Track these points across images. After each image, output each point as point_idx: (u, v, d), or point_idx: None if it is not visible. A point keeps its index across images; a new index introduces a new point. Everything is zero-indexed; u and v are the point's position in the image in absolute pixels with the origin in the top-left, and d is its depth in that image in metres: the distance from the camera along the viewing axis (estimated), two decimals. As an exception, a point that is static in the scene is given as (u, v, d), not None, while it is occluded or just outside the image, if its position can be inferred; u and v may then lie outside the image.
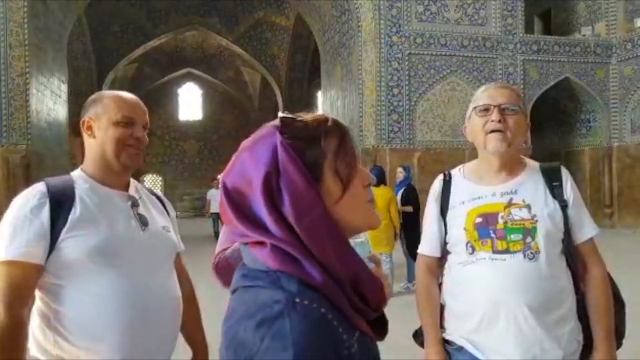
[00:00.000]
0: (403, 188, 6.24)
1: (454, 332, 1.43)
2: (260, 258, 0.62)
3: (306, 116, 0.66)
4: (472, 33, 11.85)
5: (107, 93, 1.33)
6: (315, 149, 0.63)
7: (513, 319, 1.31)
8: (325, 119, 0.66)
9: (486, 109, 1.38)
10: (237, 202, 0.63)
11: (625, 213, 12.55)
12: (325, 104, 14.39)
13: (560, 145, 13.98)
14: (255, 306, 0.58)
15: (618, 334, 1.44)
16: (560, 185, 1.41)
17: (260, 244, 0.62)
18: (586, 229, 1.42)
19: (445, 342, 1.46)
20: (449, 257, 1.48)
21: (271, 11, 18.11)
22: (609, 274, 1.47)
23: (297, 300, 0.57)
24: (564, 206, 1.39)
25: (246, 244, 0.64)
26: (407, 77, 11.50)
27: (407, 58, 11.51)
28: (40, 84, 10.41)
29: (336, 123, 0.67)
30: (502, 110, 1.36)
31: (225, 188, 0.64)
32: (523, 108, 1.41)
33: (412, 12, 11.58)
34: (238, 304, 0.61)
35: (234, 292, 0.64)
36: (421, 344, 1.52)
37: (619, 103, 12.68)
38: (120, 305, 1.19)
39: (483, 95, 1.41)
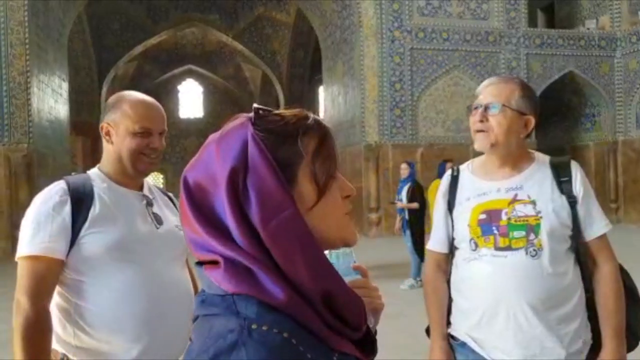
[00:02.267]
0: (407, 184, 6.19)
1: (458, 328, 1.45)
2: (215, 281, 0.54)
3: (284, 111, 0.59)
4: (474, 27, 11.76)
5: (127, 98, 1.33)
6: (291, 146, 0.56)
7: (513, 317, 1.31)
8: (305, 116, 0.59)
9: (475, 108, 1.39)
10: (198, 200, 0.55)
11: (631, 208, 12.48)
12: (326, 100, 14.32)
13: (564, 140, 13.90)
14: (209, 338, 0.52)
15: (633, 332, 1.41)
16: (570, 181, 1.38)
17: (215, 263, 0.55)
18: (596, 226, 1.40)
19: (451, 337, 1.48)
20: (456, 253, 1.48)
21: (271, 7, 18.01)
22: (626, 271, 1.45)
23: (254, 326, 0.51)
24: (572, 202, 1.36)
25: (200, 264, 0.57)
26: (409, 72, 11.42)
27: (409, 53, 11.43)
28: (41, 82, 10.36)
29: (317, 122, 0.59)
30: (486, 110, 1.37)
31: (185, 184, 0.57)
32: (518, 104, 1.36)
33: (413, 6, 11.49)
34: (195, 337, 0.55)
35: (194, 321, 0.57)
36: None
37: (623, 97, 12.59)
38: (138, 299, 1.24)
39: (478, 93, 1.42)
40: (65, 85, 12.06)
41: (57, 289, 1.25)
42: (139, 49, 18.09)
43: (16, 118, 9.64)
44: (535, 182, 1.38)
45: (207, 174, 0.56)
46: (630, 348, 1.42)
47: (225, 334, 0.51)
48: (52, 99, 11.05)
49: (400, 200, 6.22)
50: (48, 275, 1.21)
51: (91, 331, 1.22)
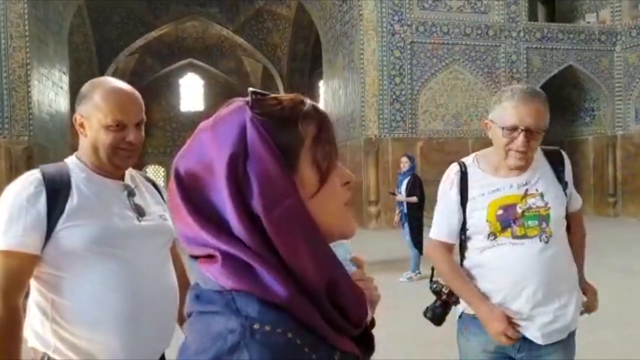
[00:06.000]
0: (407, 178, 6.21)
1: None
2: (212, 276, 0.51)
3: (280, 95, 0.57)
4: (474, 21, 11.74)
5: (99, 86, 1.24)
6: (291, 132, 0.53)
7: (532, 295, 1.49)
8: (302, 101, 0.57)
9: (513, 129, 1.43)
10: (192, 192, 0.52)
11: (630, 202, 12.50)
12: (327, 93, 14.33)
13: (563, 134, 13.90)
14: (208, 338, 0.49)
15: None
16: (564, 170, 1.59)
17: (211, 257, 0.52)
18: (578, 202, 1.67)
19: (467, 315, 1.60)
20: (468, 243, 1.60)
21: (272, 0, 17.96)
22: None
23: (257, 326, 0.48)
24: (564, 187, 1.57)
25: (195, 258, 0.54)
26: (409, 66, 11.42)
27: (409, 47, 11.42)
28: (42, 75, 10.38)
29: (315, 107, 0.57)
30: (528, 134, 1.43)
31: (177, 174, 0.53)
32: (547, 121, 1.48)
33: (413, 0, 11.47)
34: (191, 335, 0.52)
35: (189, 316, 0.55)
36: (431, 318, 1.60)
37: (623, 91, 12.58)
38: (118, 295, 1.19)
39: (512, 112, 1.43)
40: (65, 78, 12.07)
41: (34, 285, 1.20)
42: (140, 42, 18.06)
43: (16, 111, 9.67)
44: (541, 176, 1.55)
45: (202, 163, 0.52)
46: None
47: (225, 335, 0.48)
48: (52, 92, 11.07)
49: (400, 193, 6.25)
50: (20, 271, 1.15)
51: (70, 328, 1.17)
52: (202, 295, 0.53)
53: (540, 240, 1.50)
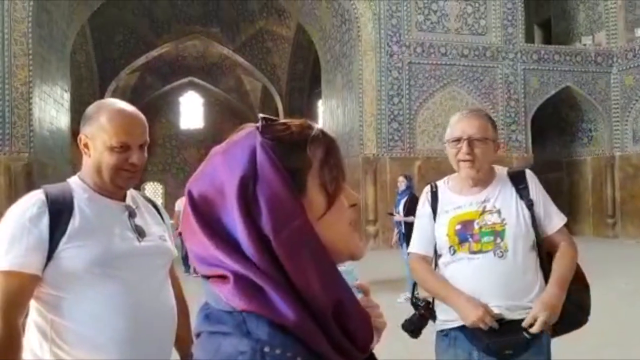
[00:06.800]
0: (405, 198, 6.22)
1: (448, 318, 1.62)
2: (223, 296, 0.52)
3: (289, 120, 0.59)
4: (472, 42, 11.91)
5: (105, 108, 1.27)
6: (300, 155, 0.55)
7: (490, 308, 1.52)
8: (310, 126, 0.58)
9: (457, 140, 1.59)
10: (205, 213, 0.54)
11: (629, 223, 12.50)
12: (325, 113, 14.43)
13: (561, 155, 13.97)
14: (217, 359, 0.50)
15: (585, 310, 1.64)
16: (526, 187, 1.63)
17: (223, 277, 0.53)
18: (555, 221, 1.65)
19: (440, 332, 1.66)
20: (438, 258, 1.70)
21: (272, 21, 18.21)
22: (577, 263, 1.65)
23: (267, 349, 0.49)
24: (530, 205, 1.60)
25: (207, 278, 0.55)
26: (407, 86, 11.54)
27: (407, 67, 11.56)
28: (44, 92, 10.46)
29: (322, 131, 0.59)
30: (471, 142, 1.56)
31: (190, 197, 0.55)
32: (492, 135, 1.61)
33: (412, 21, 11.65)
34: (200, 355, 0.53)
35: (197, 336, 0.56)
36: (411, 332, 1.70)
37: (620, 112, 12.69)
38: (119, 316, 1.19)
39: (456, 127, 1.61)
40: (67, 96, 12.15)
41: (34, 305, 1.21)
42: (141, 60, 18.25)
43: (17, 127, 9.72)
44: (500, 194, 1.63)
45: (214, 186, 0.54)
46: (583, 323, 1.63)
47: (235, 356, 0.48)
48: (53, 109, 11.14)
49: (398, 213, 6.25)
50: (21, 291, 1.16)
51: (69, 349, 1.17)
52: (211, 315, 0.53)
53: (495, 255, 1.56)
